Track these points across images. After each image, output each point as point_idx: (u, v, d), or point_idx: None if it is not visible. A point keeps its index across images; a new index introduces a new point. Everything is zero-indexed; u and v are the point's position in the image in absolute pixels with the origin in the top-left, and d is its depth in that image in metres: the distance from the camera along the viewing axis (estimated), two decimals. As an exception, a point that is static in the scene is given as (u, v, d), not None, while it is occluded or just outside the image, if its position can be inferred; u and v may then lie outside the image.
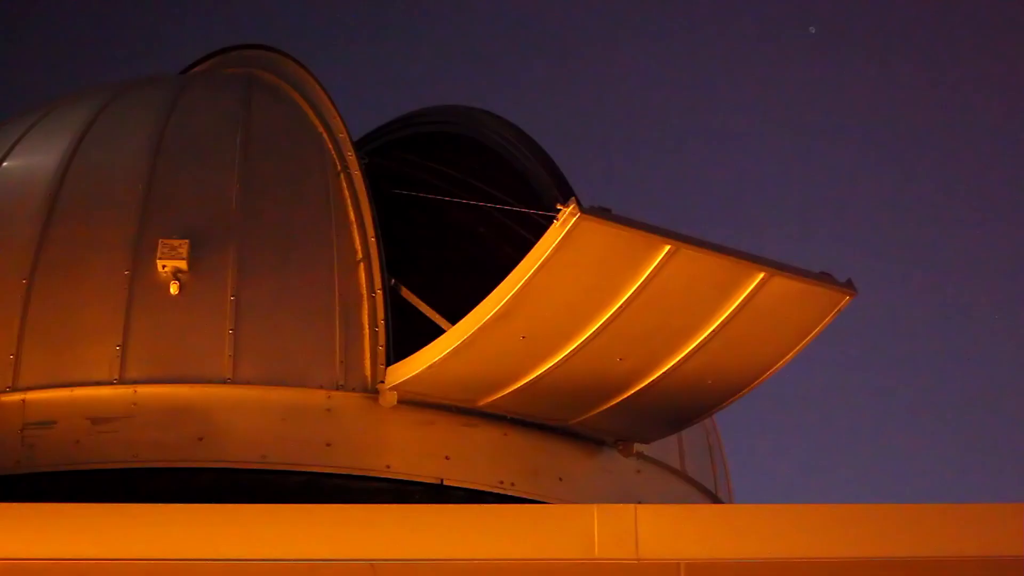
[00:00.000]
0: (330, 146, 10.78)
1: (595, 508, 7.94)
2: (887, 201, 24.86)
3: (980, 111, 24.60)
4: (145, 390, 9.58)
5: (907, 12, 24.45)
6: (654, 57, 25.58)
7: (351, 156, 10.66)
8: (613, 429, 10.41)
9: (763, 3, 25.21)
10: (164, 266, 9.74)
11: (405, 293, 10.47)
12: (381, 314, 9.96)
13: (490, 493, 9.90)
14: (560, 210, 8.62)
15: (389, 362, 9.78)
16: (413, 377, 9.56)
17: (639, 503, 9.22)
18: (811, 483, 24.26)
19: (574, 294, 9.08)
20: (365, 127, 12.59)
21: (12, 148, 11.05)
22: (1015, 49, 23.71)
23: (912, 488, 23.65)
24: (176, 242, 9.80)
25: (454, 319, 9.45)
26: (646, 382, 9.75)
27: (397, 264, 10.54)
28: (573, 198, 8.67)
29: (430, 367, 9.45)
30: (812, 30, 24.08)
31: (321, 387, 9.73)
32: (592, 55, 25.92)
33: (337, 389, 9.75)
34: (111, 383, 9.59)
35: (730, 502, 12.23)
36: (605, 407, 9.98)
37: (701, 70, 25.65)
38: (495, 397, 9.78)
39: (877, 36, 24.91)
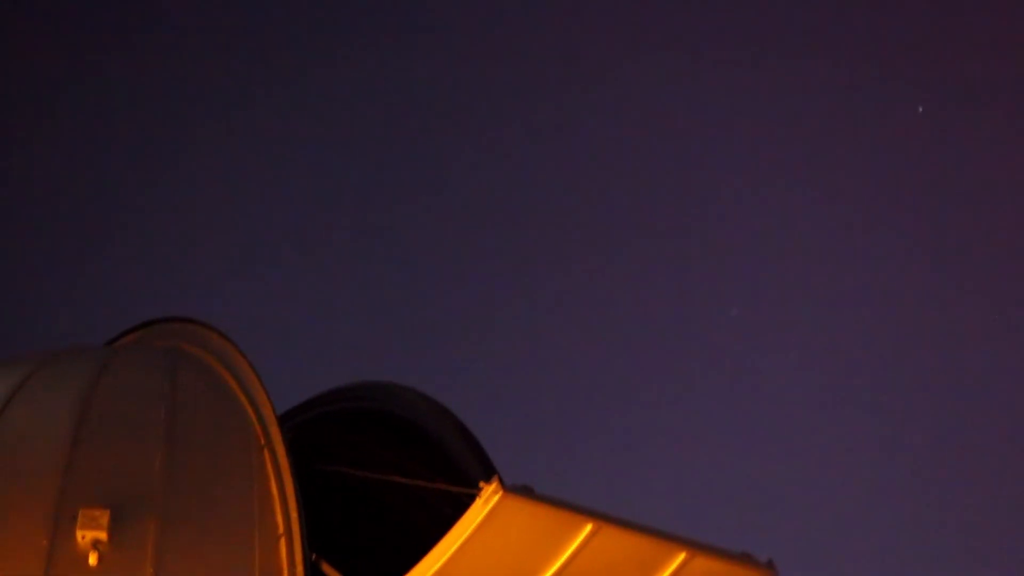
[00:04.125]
0: (254, 421, 10.82)
1: None
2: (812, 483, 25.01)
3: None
4: (61, 664, 9.40)
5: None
6: (570, 321, 25.80)
7: (275, 431, 10.70)
8: None
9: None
10: (83, 536, 9.64)
11: (326, 568, 10.40)
12: (302, 590, 9.87)
13: None
14: (482, 488, 8.66)
15: (308, 639, 9.67)
16: (332, 655, 9.45)
17: None
18: None
19: (496, 572, 9.05)
20: (293, 397, 12.66)
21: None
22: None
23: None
24: (97, 512, 9.73)
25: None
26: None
27: (318, 539, 10.48)
28: (495, 476, 8.72)
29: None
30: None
31: (239, 664, 9.59)
32: (513, 327, 26.18)
33: (255, 666, 9.62)
34: (26, 656, 9.42)
35: None
36: None
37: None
38: (415, 677, 9.65)
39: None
